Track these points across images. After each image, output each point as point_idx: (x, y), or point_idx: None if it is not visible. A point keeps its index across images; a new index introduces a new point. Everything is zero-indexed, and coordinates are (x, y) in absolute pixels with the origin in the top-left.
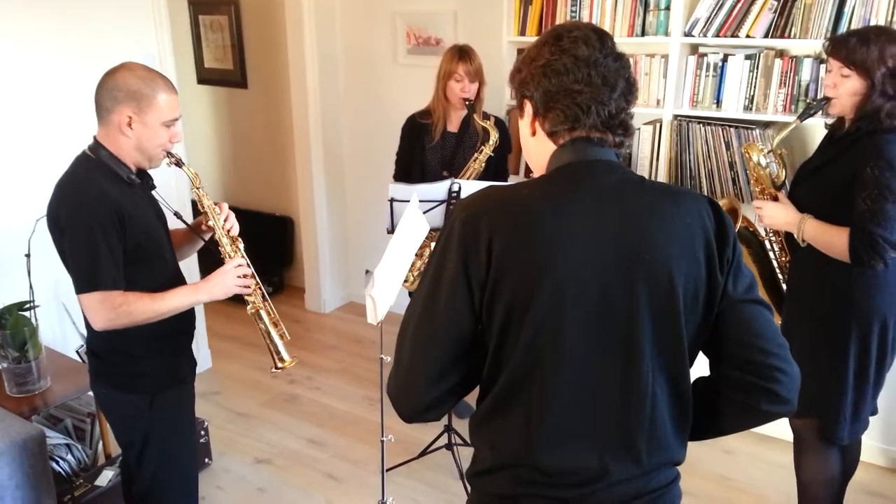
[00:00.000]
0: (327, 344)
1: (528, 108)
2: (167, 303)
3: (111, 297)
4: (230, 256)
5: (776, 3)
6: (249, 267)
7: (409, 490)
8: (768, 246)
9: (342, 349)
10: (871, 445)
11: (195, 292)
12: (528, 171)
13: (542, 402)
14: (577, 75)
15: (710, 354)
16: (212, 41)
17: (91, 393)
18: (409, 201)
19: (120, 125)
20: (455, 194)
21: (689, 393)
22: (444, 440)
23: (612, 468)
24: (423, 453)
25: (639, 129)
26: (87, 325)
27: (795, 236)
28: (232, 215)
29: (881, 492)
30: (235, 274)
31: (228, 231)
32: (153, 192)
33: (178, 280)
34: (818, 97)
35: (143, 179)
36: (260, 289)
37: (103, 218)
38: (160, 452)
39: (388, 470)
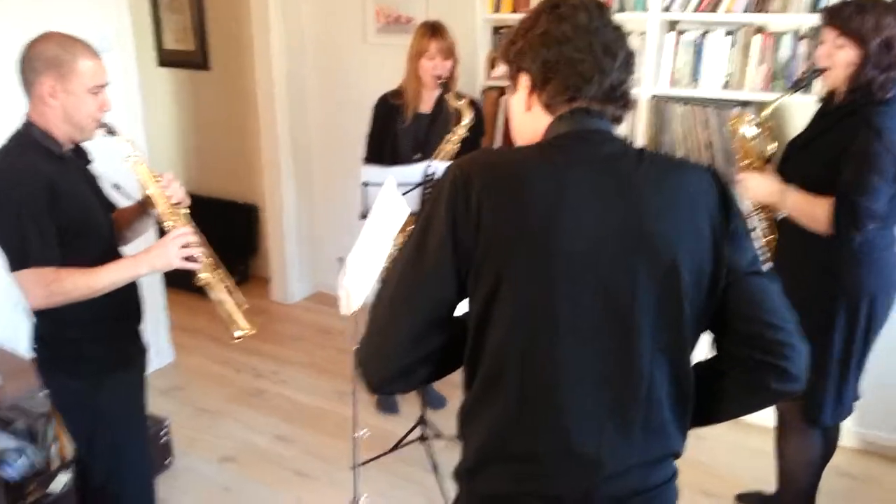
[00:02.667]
0: (294, 335)
1: (525, 80)
2: (103, 277)
3: (43, 273)
4: (170, 226)
5: None
6: (195, 236)
7: (382, 485)
8: (753, 225)
9: (309, 341)
10: (841, 427)
11: (134, 265)
12: None
13: (532, 385)
14: (578, 44)
15: (715, 332)
16: (172, 21)
17: (44, 393)
18: (383, 185)
19: (43, 96)
20: (430, 177)
21: (691, 377)
22: (417, 433)
23: (608, 457)
24: (396, 447)
25: None
26: (35, 313)
27: (777, 206)
28: (176, 183)
29: (852, 473)
30: (177, 244)
31: (169, 199)
32: (90, 168)
33: (114, 258)
34: (808, 70)
35: (78, 154)
36: (211, 258)
37: (33, 194)
38: (111, 444)
39: (359, 465)
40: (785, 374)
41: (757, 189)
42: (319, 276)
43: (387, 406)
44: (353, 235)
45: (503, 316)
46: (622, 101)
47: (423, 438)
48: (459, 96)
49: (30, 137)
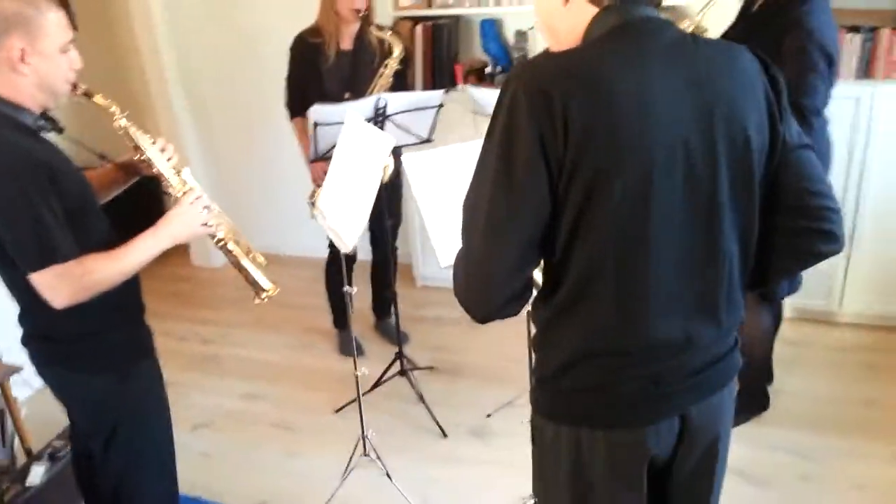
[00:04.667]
0: (229, 298)
1: None
2: (130, 258)
3: (69, 269)
4: (182, 191)
5: None
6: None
7: (371, 424)
8: None
9: (247, 300)
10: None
11: (156, 238)
12: (428, 85)
13: (632, 280)
14: None
15: (764, 204)
16: None
17: None
18: (336, 124)
19: (11, 62)
20: (381, 110)
21: (754, 248)
22: (395, 368)
23: (696, 334)
24: (379, 383)
25: (533, 27)
26: (29, 310)
27: None
28: (170, 145)
29: (793, 340)
30: (197, 209)
31: (169, 161)
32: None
33: (111, 233)
34: None
35: (50, 122)
36: (223, 217)
37: (36, 179)
38: (135, 434)
39: (341, 408)
40: (831, 236)
41: None
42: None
43: (349, 350)
44: (266, 185)
45: (597, 219)
46: None
47: (402, 372)
48: (382, 28)
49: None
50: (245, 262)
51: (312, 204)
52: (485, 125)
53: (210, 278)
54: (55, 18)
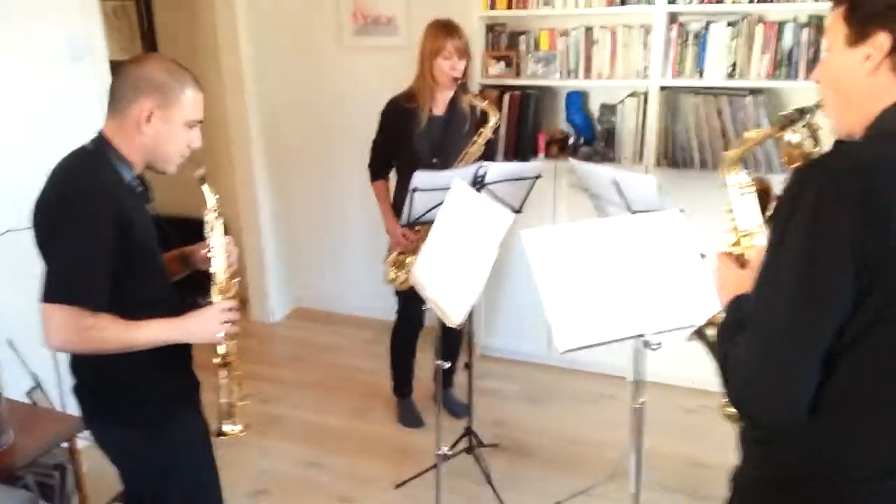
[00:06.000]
0: (290, 355)
1: (882, 40)
2: (140, 334)
3: (81, 315)
4: (216, 298)
5: None
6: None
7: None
8: None
9: (307, 360)
10: None
11: (170, 329)
12: (511, 153)
13: None
14: None
15: None
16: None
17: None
18: (435, 190)
19: (138, 119)
20: (481, 178)
21: None
22: (463, 444)
23: None
24: (446, 458)
25: (622, 101)
26: (74, 356)
27: None
28: (234, 248)
29: None
30: (222, 319)
31: (229, 266)
32: (151, 206)
33: (171, 298)
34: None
35: (145, 188)
36: (235, 338)
37: (102, 217)
38: (181, 493)
39: (402, 483)
40: None
41: None
42: (297, 291)
43: (410, 420)
44: (333, 244)
45: (889, 324)
46: None
47: (469, 449)
48: (482, 96)
49: (101, 158)
50: (232, 387)
51: (398, 267)
52: (580, 198)
53: (269, 334)
54: (192, 96)
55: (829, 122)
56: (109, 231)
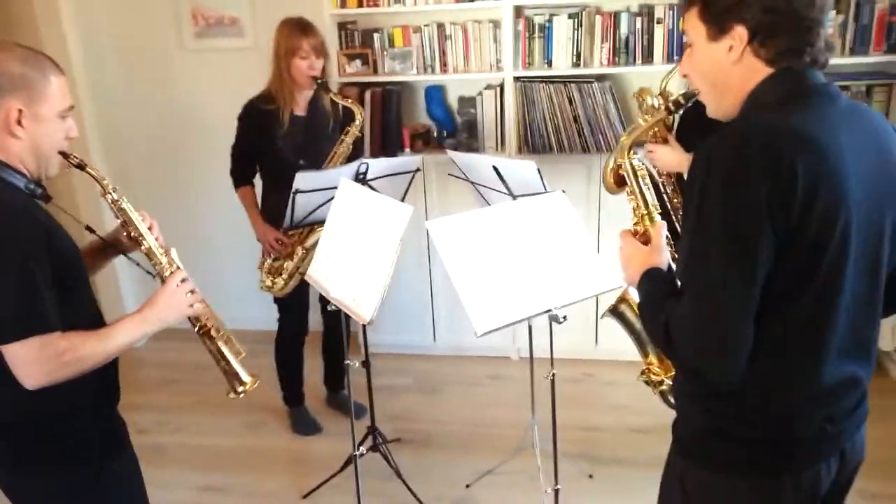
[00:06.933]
0: (163, 379)
1: (740, 32)
2: (115, 339)
3: (51, 342)
4: (166, 273)
5: None
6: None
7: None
8: (662, 189)
9: (184, 381)
10: None
11: (143, 322)
12: (377, 150)
13: (826, 338)
14: None
15: None
16: None
17: None
18: (314, 191)
19: (8, 123)
20: (363, 175)
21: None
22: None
23: (860, 373)
24: (350, 461)
25: (480, 93)
26: None
27: (685, 176)
28: (156, 223)
29: None
30: (184, 291)
31: (157, 240)
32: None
33: (97, 310)
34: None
35: (43, 188)
36: (203, 301)
37: (33, 240)
38: None
39: (309, 493)
40: None
41: (666, 159)
42: None
43: (306, 428)
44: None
45: (809, 281)
46: (829, 48)
47: (375, 447)
48: (343, 95)
49: None
50: (226, 350)
51: (274, 274)
52: (460, 187)
53: (135, 360)
54: (57, 83)
55: (708, 108)
56: (41, 252)
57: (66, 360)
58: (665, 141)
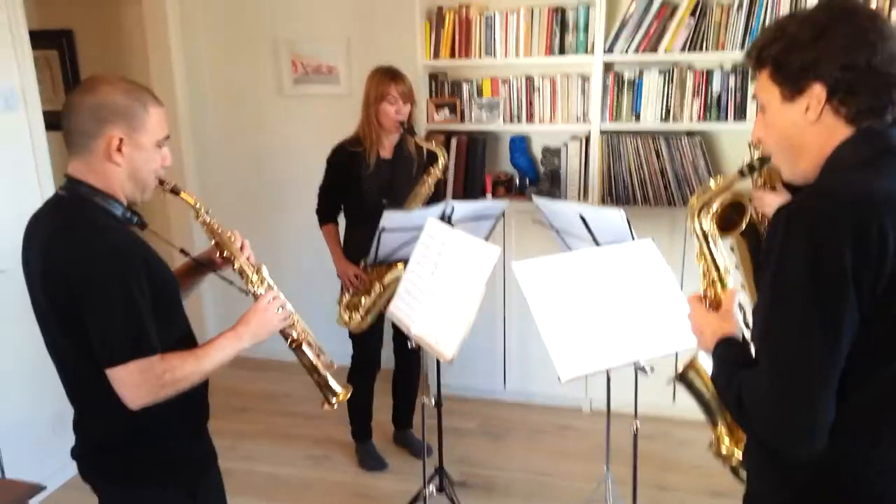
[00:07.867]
0: (235, 407)
1: (818, 90)
2: (211, 358)
3: (152, 364)
4: (258, 290)
5: (692, 20)
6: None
7: None
8: (762, 238)
9: (254, 409)
10: None
11: (237, 339)
12: (460, 194)
13: None
14: (884, 53)
15: None
16: (40, 80)
17: None
18: (400, 230)
19: (108, 151)
20: (448, 216)
21: None
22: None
23: None
24: (419, 498)
25: (565, 144)
26: (89, 413)
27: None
28: (247, 242)
29: None
30: (276, 307)
31: (248, 259)
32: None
33: (190, 331)
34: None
35: (138, 216)
36: (296, 317)
37: (134, 265)
38: None
39: None
40: None
41: (773, 205)
42: None
43: (372, 464)
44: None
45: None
46: None
47: (441, 489)
48: (428, 139)
49: (84, 201)
50: (318, 364)
51: (352, 309)
52: (540, 234)
53: (211, 386)
54: (156, 114)
55: (783, 172)
56: (142, 277)
57: (165, 381)
58: (773, 188)
